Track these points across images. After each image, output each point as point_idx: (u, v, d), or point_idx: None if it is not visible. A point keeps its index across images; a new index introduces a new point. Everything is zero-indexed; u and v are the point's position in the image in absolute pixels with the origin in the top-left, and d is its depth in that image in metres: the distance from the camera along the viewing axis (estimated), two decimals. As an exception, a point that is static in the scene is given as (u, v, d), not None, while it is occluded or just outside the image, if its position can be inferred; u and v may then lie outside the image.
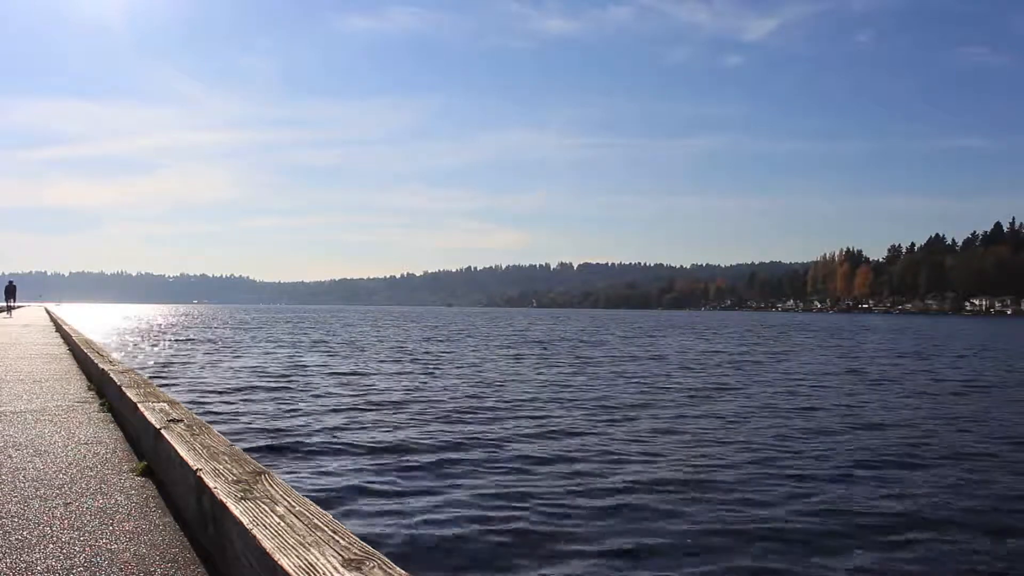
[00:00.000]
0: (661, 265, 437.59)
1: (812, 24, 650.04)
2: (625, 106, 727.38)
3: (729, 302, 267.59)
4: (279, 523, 2.02)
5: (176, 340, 34.92)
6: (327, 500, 6.60)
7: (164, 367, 20.14)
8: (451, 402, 13.51)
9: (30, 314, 39.61)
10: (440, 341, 36.74)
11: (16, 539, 2.65)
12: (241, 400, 13.43)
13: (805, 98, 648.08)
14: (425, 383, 16.78)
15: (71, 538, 2.65)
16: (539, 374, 19.59)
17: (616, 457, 8.88)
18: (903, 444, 10.00)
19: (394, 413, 12.05)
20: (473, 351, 29.03)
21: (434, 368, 20.90)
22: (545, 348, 31.69)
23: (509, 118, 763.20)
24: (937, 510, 6.86)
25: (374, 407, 12.70)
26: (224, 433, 4.46)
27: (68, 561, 2.43)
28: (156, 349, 28.37)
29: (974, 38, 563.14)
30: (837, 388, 17.06)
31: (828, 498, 7.18)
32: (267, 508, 2.16)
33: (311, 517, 2.06)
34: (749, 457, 8.96)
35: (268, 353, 26.52)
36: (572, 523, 6.21)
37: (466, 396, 14.46)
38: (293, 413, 11.85)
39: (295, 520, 2.03)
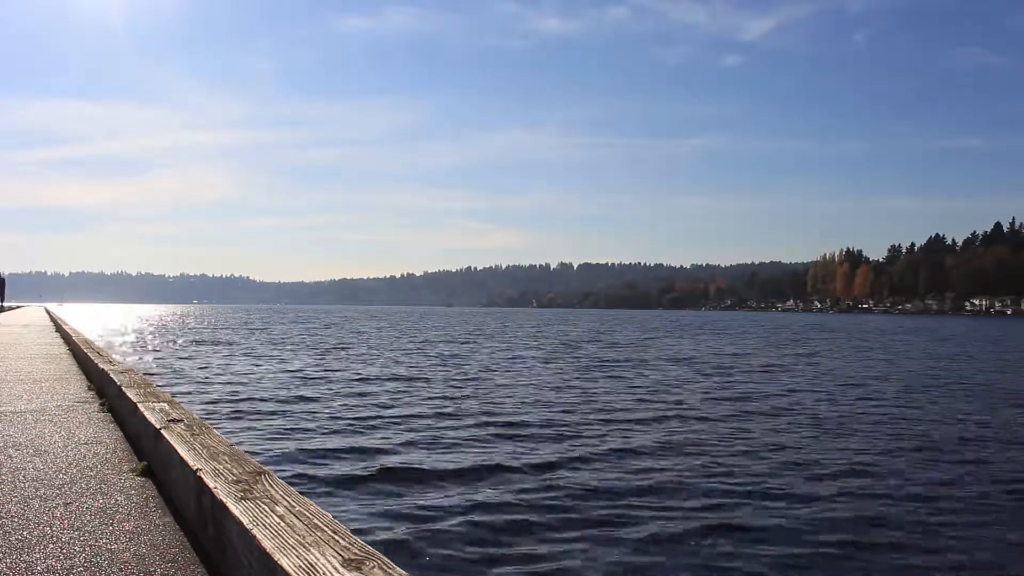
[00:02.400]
0: (661, 265, 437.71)
1: (809, 24, 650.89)
2: (624, 106, 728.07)
3: (729, 302, 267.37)
4: (279, 523, 2.01)
5: (188, 343, 34.90)
6: (327, 500, 6.61)
7: (179, 371, 20.15)
8: (460, 403, 13.51)
9: (30, 314, 39.58)
10: (450, 342, 36.75)
11: (16, 539, 2.65)
12: (250, 403, 13.45)
13: (804, 98, 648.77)
14: (434, 384, 16.79)
15: (71, 538, 2.65)
16: (557, 376, 19.58)
17: (635, 462, 8.88)
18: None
19: (400, 415, 12.05)
20: (489, 353, 29.04)
21: (445, 370, 20.91)
22: (572, 350, 31.63)
23: (508, 118, 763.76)
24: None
25: (379, 408, 12.70)
26: (228, 435, 4.46)
27: (68, 561, 2.42)
28: (173, 352, 28.37)
29: (972, 38, 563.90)
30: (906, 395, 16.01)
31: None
32: (267, 508, 2.16)
33: (311, 517, 2.06)
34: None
35: (276, 356, 26.53)
36: (577, 526, 6.21)
37: (476, 398, 14.46)
38: (297, 414, 11.86)
39: (295, 520, 2.03)
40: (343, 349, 29.42)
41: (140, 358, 23.21)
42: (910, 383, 18.48)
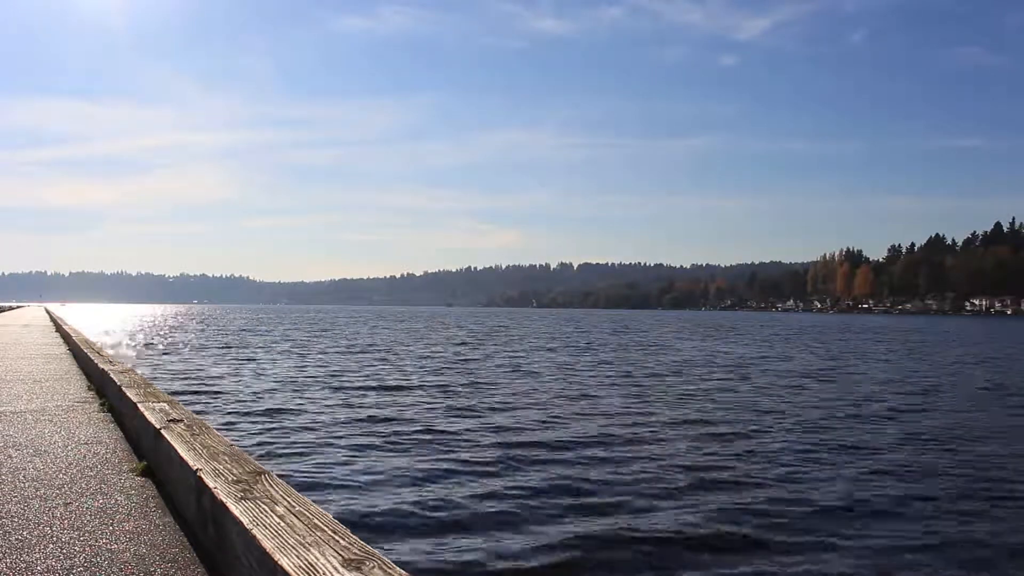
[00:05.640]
0: (661, 265, 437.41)
1: (805, 24, 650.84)
2: (623, 106, 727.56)
3: (729, 302, 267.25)
4: (279, 523, 2.02)
5: (190, 344, 34.88)
6: (327, 500, 6.60)
7: (179, 372, 20.15)
8: (468, 406, 13.51)
9: (30, 314, 39.60)
10: (461, 344, 36.73)
11: (16, 539, 2.65)
12: (251, 404, 13.45)
13: (803, 98, 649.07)
14: (442, 387, 16.78)
15: (71, 538, 2.65)
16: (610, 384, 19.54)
17: (621, 465, 8.87)
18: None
19: (405, 417, 12.05)
20: (507, 353, 29.03)
21: (456, 374, 20.91)
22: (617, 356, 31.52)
23: (507, 118, 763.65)
24: None
25: (380, 409, 12.70)
26: (228, 435, 4.46)
27: (68, 561, 2.43)
28: (174, 353, 28.34)
29: (970, 38, 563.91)
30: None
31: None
32: (267, 508, 2.16)
33: (311, 517, 2.06)
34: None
35: (277, 357, 26.52)
36: (579, 527, 6.21)
37: (484, 401, 14.46)
38: (298, 415, 11.86)
39: (295, 520, 2.03)
40: (350, 352, 29.42)
41: (141, 357, 23.22)
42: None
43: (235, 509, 2.17)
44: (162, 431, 3.43)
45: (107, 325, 53.30)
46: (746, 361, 25.34)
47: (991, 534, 6.24)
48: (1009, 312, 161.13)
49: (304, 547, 1.83)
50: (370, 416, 11.61)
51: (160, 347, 29.28)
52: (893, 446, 9.93)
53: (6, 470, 3.69)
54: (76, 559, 2.44)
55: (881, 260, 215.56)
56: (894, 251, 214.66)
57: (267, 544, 1.87)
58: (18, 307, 67.53)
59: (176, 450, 3.05)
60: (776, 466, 8.55)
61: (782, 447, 9.65)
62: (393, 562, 1.71)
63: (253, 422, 10.95)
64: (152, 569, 2.36)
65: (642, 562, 5.40)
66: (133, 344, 31.22)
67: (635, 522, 6.25)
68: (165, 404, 4.28)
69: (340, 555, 1.76)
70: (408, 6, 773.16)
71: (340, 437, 9.77)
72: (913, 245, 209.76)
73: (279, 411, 12.04)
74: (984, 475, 8.35)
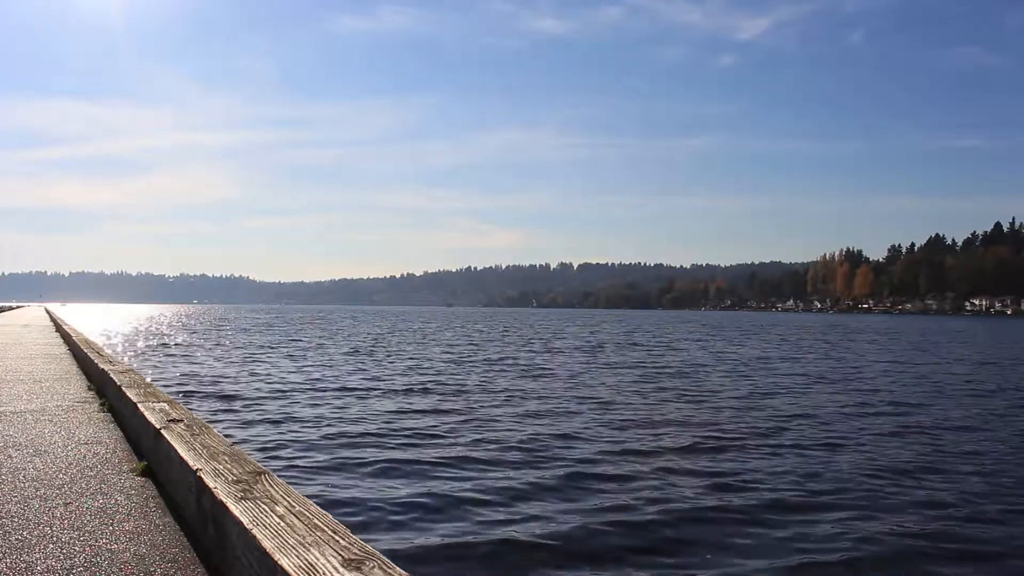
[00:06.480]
0: (661, 265, 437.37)
1: (804, 23, 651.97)
2: (623, 106, 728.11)
3: (729, 302, 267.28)
4: (279, 523, 2.02)
5: (190, 344, 34.85)
6: (327, 501, 6.59)
7: (180, 373, 20.11)
8: (470, 411, 13.50)
9: (30, 314, 39.60)
10: (467, 344, 36.71)
11: (16, 539, 2.65)
12: (251, 404, 13.44)
13: (803, 97, 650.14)
14: (444, 391, 16.77)
15: (71, 538, 2.65)
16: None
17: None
18: None
19: (409, 422, 12.04)
20: (513, 353, 29.02)
21: (460, 376, 20.89)
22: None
23: (507, 118, 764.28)
24: None
25: (382, 411, 12.69)
26: (228, 436, 4.45)
27: (68, 561, 2.43)
28: (175, 353, 28.31)
29: (970, 38, 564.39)
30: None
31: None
32: (267, 508, 2.16)
33: (311, 517, 2.06)
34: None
35: (278, 358, 26.50)
36: (577, 527, 6.19)
37: (487, 405, 14.45)
38: (299, 416, 11.86)
39: (295, 520, 2.03)
40: (353, 353, 29.41)
41: (141, 357, 23.22)
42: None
43: (235, 509, 2.17)
44: (162, 431, 3.43)
45: (107, 325, 53.26)
46: (759, 362, 25.30)
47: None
48: (1009, 312, 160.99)
49: (304, 547, 1.83)
50: (374, 418, 11.60)
51: (160, 347, 29.26)
52: (945, 460, 8.99)
53: (6, 470, 3.69)
54: (76, 559, 2.45)
55: (881, 260, 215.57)
56: (894, 251, 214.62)
57: (267, 544, 1.88)
58: (18, 307, 67.53)
59: (176, 450, 3.05)
60: (826, 486, 7.61)
61: (833, 467, 8.48)
62: (393, 562, 1.71)
63: (254, 423, 10.94)
64: (152, 569, 2.36)
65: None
66: (133, 344, 31.20)
67: (671, 549, 5.83)
68: (165, 404, 4.28)
69: (340, 555, 1.76)
70: (408, 6, 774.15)
71: (342, 439, 9.76)
72: (913, 245, 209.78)
73: (281, 412, 12.02)
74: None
